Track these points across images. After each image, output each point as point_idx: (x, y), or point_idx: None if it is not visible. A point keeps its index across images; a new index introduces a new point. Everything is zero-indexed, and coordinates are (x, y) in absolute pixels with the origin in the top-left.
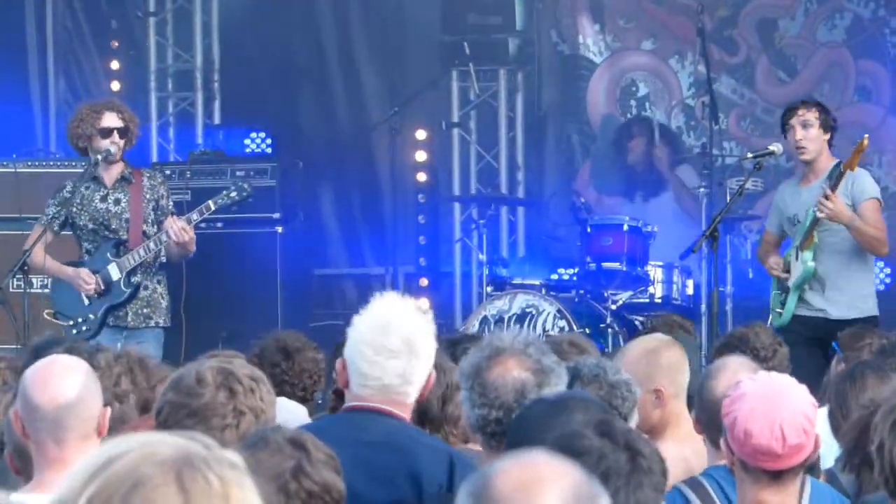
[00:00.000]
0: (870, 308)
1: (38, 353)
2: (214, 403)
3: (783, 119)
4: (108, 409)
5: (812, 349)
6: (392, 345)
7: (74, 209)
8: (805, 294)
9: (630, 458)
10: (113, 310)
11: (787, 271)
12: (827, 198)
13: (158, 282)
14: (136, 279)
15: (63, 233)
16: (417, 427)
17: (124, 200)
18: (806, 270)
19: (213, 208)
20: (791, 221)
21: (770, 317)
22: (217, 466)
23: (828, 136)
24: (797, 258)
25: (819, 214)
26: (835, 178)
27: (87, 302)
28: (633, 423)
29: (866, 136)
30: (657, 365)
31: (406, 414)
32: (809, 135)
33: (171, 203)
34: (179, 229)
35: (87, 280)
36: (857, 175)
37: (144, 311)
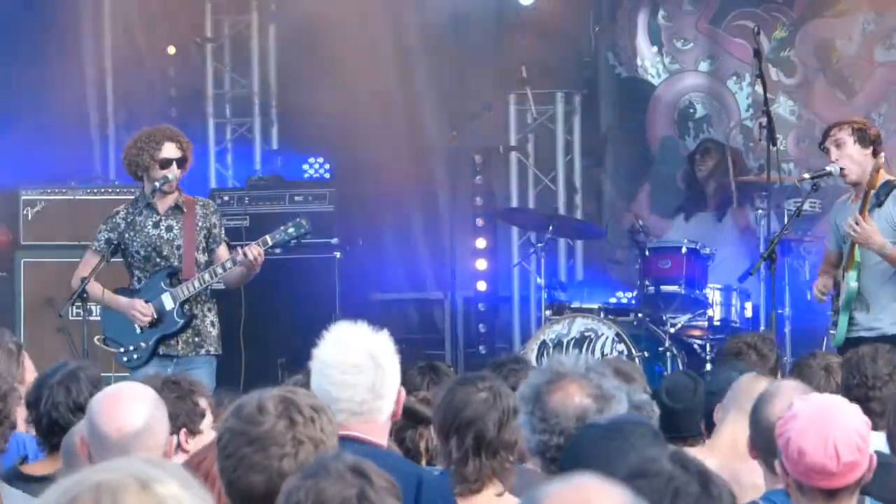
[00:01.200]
0: None
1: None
2: (274, 432)
3: (821, 145)
4: (175, 438)
5: None
6: (356, 359)
7: (127, 235)
8: (854, 314)
9: (701, 484)
10: (165, 339)
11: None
12: (857, 221)
13: (209, 310)
14: (189, 311)
15: (113, 259)
16: (389, 450)
17: (177, 227)
18: (849, 291)
19: (269, 244)
20: (844, 240)
21: (826, 338)
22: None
23: (869, 151)
24: (843, 278)
25: (854, 239)
26: (870, 198)
27: (139, 330)
28: None
29: (881, 154)
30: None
31: (382, 435)
32: (845, 153)
33: (223, 232)
34: (255, 255)
35: (144, 312)
36: None
37: (195, 339)
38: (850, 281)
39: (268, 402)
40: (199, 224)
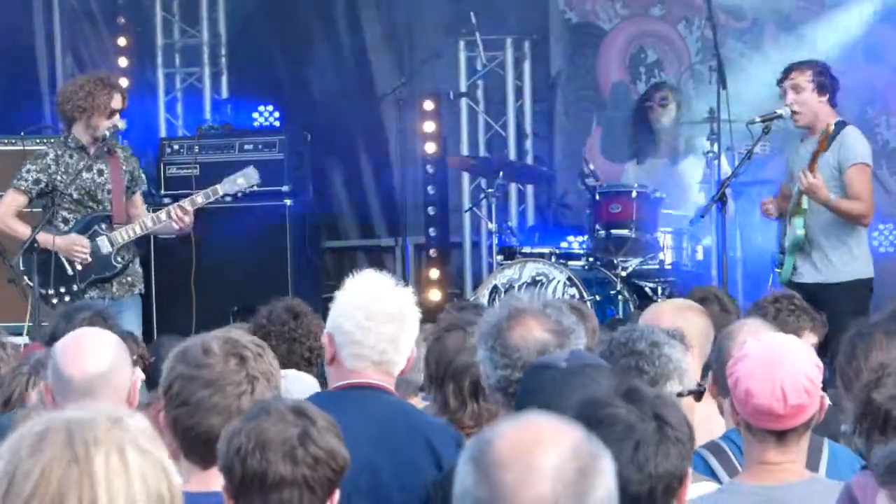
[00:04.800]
0: (859, 271)
1: (69, 317)
2: (227, 372)
3: (779, 83)
4: (139, 381)
5: None
6: (386, 308)
7: (59, 177)
8: (797, 261)
9: (658, 427)
10: (99, 282)
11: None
12: (804, 174)
13: (134, 254)
14: (126, 255)
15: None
16: (409, 403)
17: (106, 171)
18: (796, 238)
19: (219, 193)
20: (793, 179)
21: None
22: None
23: (825, 98)
24: (790, 223)
25: (801, 189)
26: (814, 154)
27: (70, 272)
28: (671, 387)
29: (830, 122)
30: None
31: (393, 387)
32: (801, 98)
33: (143, 175)
34: (180, 215)
35: (83, 247)
36: (847, 135)
37: (128, 279)
38: (797, 228)
39: (212, 343)
40: (124, 168)
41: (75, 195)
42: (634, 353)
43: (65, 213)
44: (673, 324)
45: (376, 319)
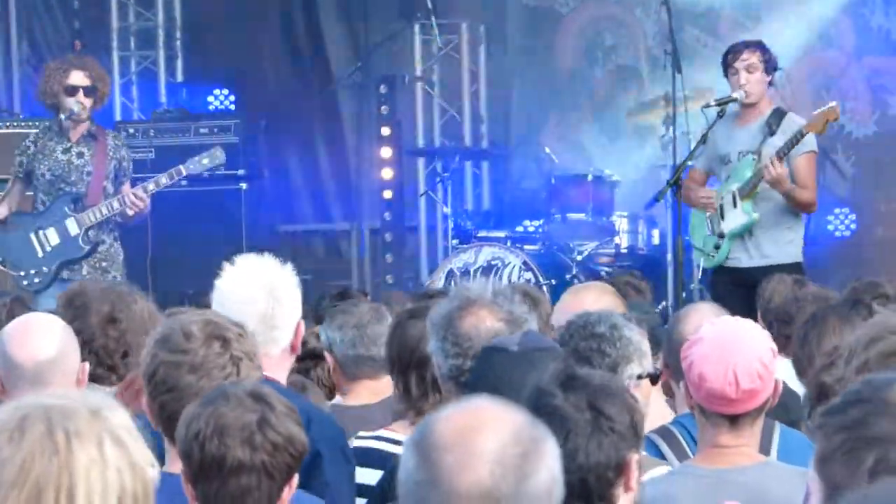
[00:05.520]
0: (797, 253)
1: None
2: (211, 355)
3: (726, 61)
4: (87, 364)
5: (739, 296)
6: (249, 291)
7: (36, 158)
8: (733, 245)
9: (592, 418)
10: (68, 264)
11: (721, 216)
12: (773, 164)
13: (115, 238)
14: (94, 235)
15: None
16: (279, 385)
17: (87, 154)
18: (750, 221)
19: (183, 173)
20: (722, 160)
21: (700, 259)
22: (71, 423)
23: (769, 78)
24: (735, 205)
25: (765, 178)
26: (792, 138)
27: (40, 253)
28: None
29: (835, 103)
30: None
31: (277, 370)
32: (754, 78)
33: (131, 166)
34: (133, 200)
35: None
36: (795, 123)
37: (102, 264)
38: (750, 212)
39: (191, 327)
40: (111, 154)
41: (47, 175)
42: (595, 336)
43: (41, 195)
44: (595, 307)
45: (243, 302)
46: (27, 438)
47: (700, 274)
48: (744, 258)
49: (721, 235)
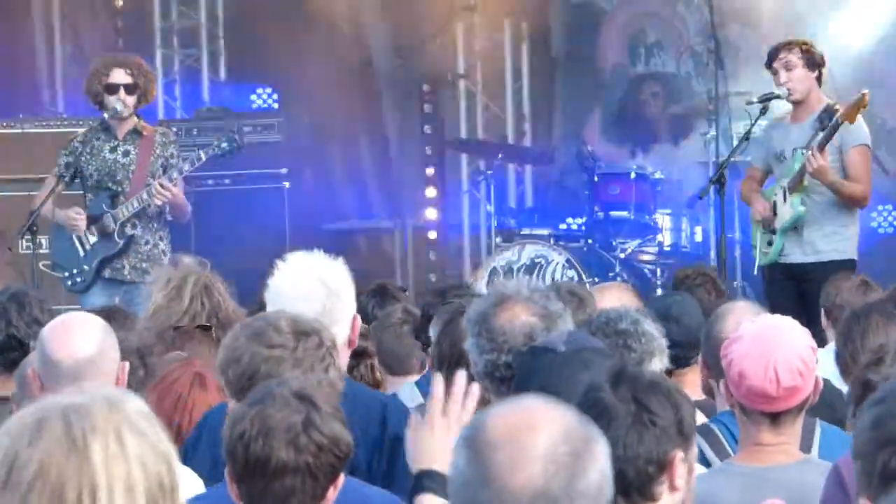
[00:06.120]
0: (850, 250)
1: None
2: (310, 348)
3: (768, 64)
4: (126, 364)
5: (791, 292)
6: (306, 286)
7: (83, 158)
8: (786, 240)
9: (635, 410)
10: (107, 262)
11: (774, 212)
12: (814, 155)
13: (160, 238)
14: (130, 231)
15: (73, 189)
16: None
17: (133, 153)
18: (797, 214)
19: (203, 159)
20: (777, 158)
21: (756, 256)
22: (87, 421)
23: (815, 74)
24: (785, 201)
25: (808, 170)
26: (828, 130)
27: (81, 253)
28: (655, 364)
29: (867, 91)
30: None
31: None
32: (794, 76)
33: (181, 162)
34: (158, 189)
35: (76, 215)
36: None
37: (143, 265)
38: (797, 205)
39: (280, 322)
40: (157, 152)
41: (95, 175)
42: (619, 333)
43: (90, 195)
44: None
45: (300, 299)
46: (45, 438)
47: (756, 272)
48: (797, 254)
49: (773, 231)
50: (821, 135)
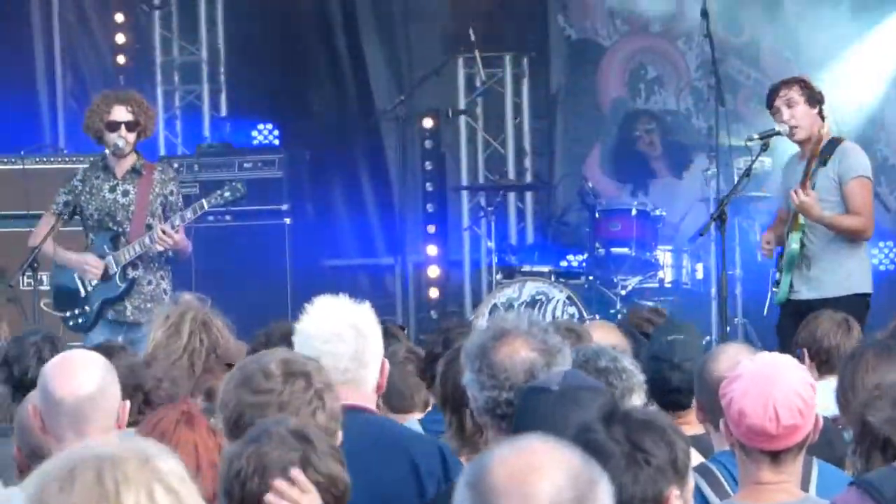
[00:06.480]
0: (858, 285)
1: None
2: (297, 391)
3: (768, 102)
4: (128, 403)
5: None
6: (338, 328)
7: (83, 198)
8: (794, 279)
9: (630, 450)
10: (109, 303)
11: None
12: (796, 192)
13: (162, 277)
14: (132, 274)
15: (69, 225)
16: (390, 419)
17: (132, 192)
18: (791, 253)
19: (206, 208)
20: (787, 196)
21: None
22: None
23: (816, 110)
24: (787, 238)
25: (792, 205)
26: (806, 165)
27: (83, 293)
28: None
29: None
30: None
31: (371, 405)
32: (797, 112)
33: (180, 199)
34: (161, 235)
35: (95, 264)
36: (846, 150)
37: (147, 305)
38: (793, 243)
39: (270, 366)
40: (156, 190)
41: (95, 215)
42: (600, 371)
43: (91, 234)
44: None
45: (332, 341)
46: (77, 487)
47: (766, 312)
48: (803, 290)
49: (779, 270)
50: (832, 172)
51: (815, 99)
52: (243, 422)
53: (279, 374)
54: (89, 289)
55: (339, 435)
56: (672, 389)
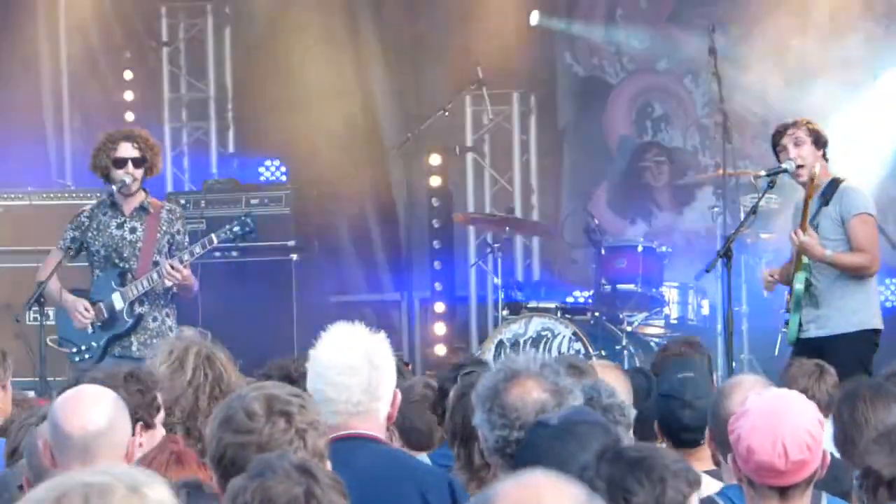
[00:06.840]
0: (864, 321)
1: (78, 381)
2: (276, 432)
3: (774, 141)
4: (136, 438)
5: None
6: (352, 360)
7: (90, 234)
8: (802, 318)
9: (610, 489)
10: (116, 339)
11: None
12: (796, 233)
13: (167, 314)
14: (139, 309)
15: (76, 261)
16: (400, 449)
17: (140, 230)
18: (796, 293)
19: (215, 243)
20: None
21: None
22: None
23: (821, 153)
24: (794, 279)
25: (793, 246)
26: (803, 206)
27: (91, 330)
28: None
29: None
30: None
31: (382, 434)
32: (804, 152)
33: (186, 238)
34: (169, 270)
35: (85, 313)
36: (847, 187)
37: (153, 341)
38: (798, 283)
39: (253, 405)
40: (164, 229)
41: (102, 252)
42: (605, 408)
43: (97, 271)
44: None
45: (346, 373)
46: None
47: (777, 352)
48: (812, 328)
49: (788, 310)
50: (833, 212)
51: (820, 140)
52: (226, 460)
53: (261, 413)
54: (96, 325)
55: (329, 465)
56: (683, 427)
